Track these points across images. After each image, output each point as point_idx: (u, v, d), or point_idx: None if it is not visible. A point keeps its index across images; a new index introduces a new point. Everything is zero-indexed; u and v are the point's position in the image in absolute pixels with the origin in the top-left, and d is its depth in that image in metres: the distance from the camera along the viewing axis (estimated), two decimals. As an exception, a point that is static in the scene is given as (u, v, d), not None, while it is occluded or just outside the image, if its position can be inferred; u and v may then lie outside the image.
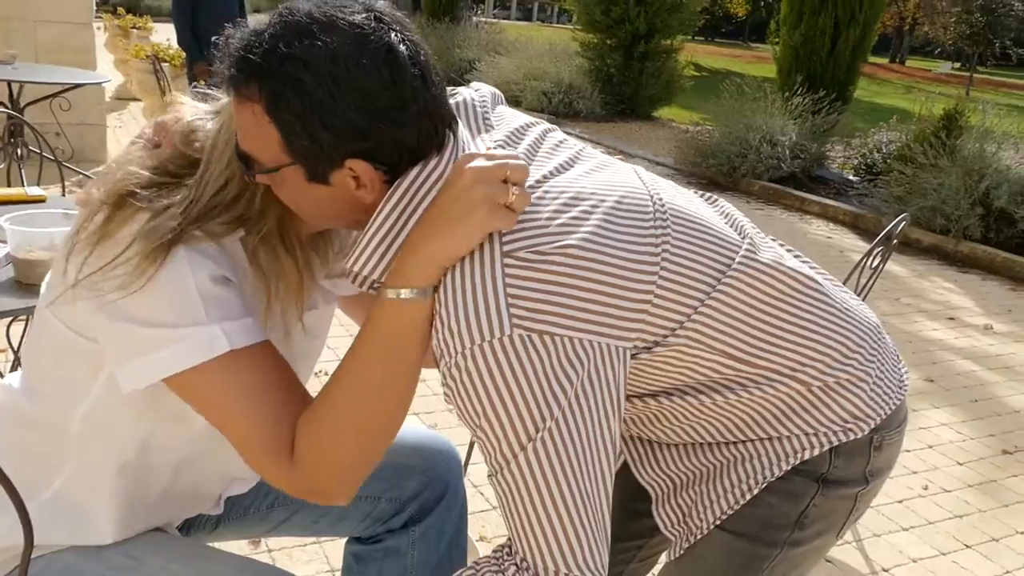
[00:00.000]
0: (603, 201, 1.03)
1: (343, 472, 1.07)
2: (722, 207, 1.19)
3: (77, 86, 4.98)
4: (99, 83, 5.13)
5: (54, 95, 5.10)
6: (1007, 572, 2.64)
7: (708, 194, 1.22)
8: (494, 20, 18.38)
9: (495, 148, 1.07)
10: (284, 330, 1.26)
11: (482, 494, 2.71)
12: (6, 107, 4.87)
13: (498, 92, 1.20)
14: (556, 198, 1.02)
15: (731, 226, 1.14)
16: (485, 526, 2.56)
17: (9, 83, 4.87)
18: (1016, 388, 4.12)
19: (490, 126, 1.12)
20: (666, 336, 1.03)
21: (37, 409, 1.21)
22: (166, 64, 6.73)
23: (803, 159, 8.31)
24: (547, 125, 1.18)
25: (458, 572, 1.07)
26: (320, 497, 1.09)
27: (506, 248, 0.97)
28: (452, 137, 1.06)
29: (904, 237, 6.62)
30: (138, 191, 1.07)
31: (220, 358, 1.05)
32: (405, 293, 1.01)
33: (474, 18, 17.22)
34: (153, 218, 1.04)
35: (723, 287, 1.06)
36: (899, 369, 1.22)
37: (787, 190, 8.02)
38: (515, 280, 0.96)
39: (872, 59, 15.05)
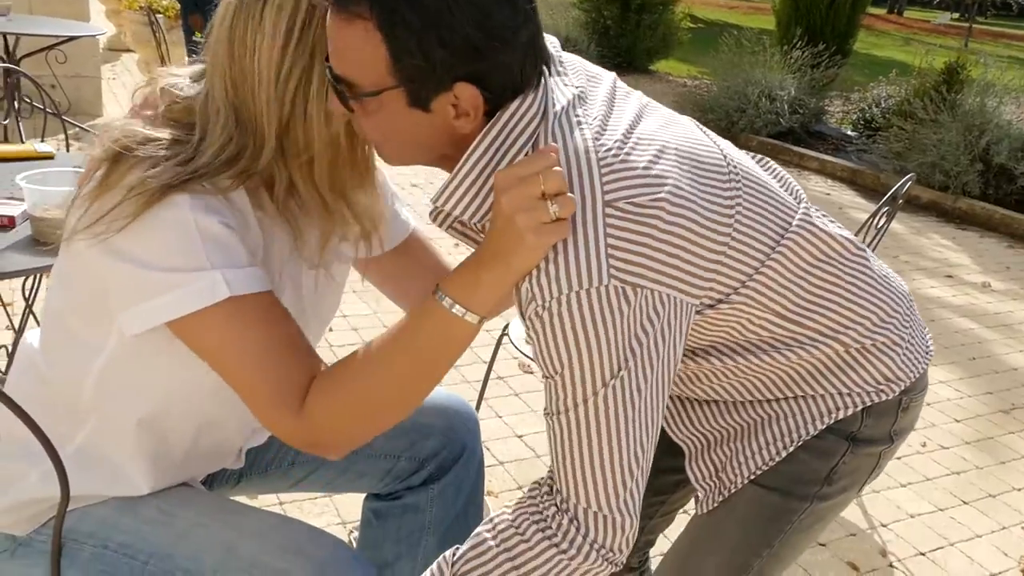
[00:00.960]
0: (687, 157, 1.04)
1: (348, 437, 1.11)
2: (774, 170, 1.21)
3: (74, 38, 4.91)
4: (96, 35, 5.06)
5: (50, 47, 5.04)
6: (1004, 528, 2.70)
7: (759, 156, 1.23)
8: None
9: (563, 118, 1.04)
10: (294, 286, 1.27)
11: (489, 450, 2.75)
12: (3, 60, 4.81)
13: (555, 39, 1.19)
14: (646, 149, 1.02)
15: (786, 190, 1.17)
16: (492, 481, 2.60)
17: (4, 35, 4.81)
18: (1013, 346, 4.16)
19: (564, 72, 1.11)
20: (729, 294, 1.06)
21: (53, 370, 1.23)
22: (160, 15, 6.63)
23: (801, 114, 8.26)
24: (613, 74, 1.17)
25: (498, 512, 1.09)
26: (317, 451, 1.12)
27: (607, 198, 0.98)
28: (546, 76, 1.05)
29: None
30: (135, 146, 1.08)
31: (221, 304, 1.06)
32: (458, 310, 1.03)
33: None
34: (151, 168, 1.05)
35: (781, 248, 1.08)
36: (925, 336, 1.26)
37: (785, 145, 7.99)
38: (615, 231, 0.97)
39: (870, 10, 14.92)
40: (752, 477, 1.21)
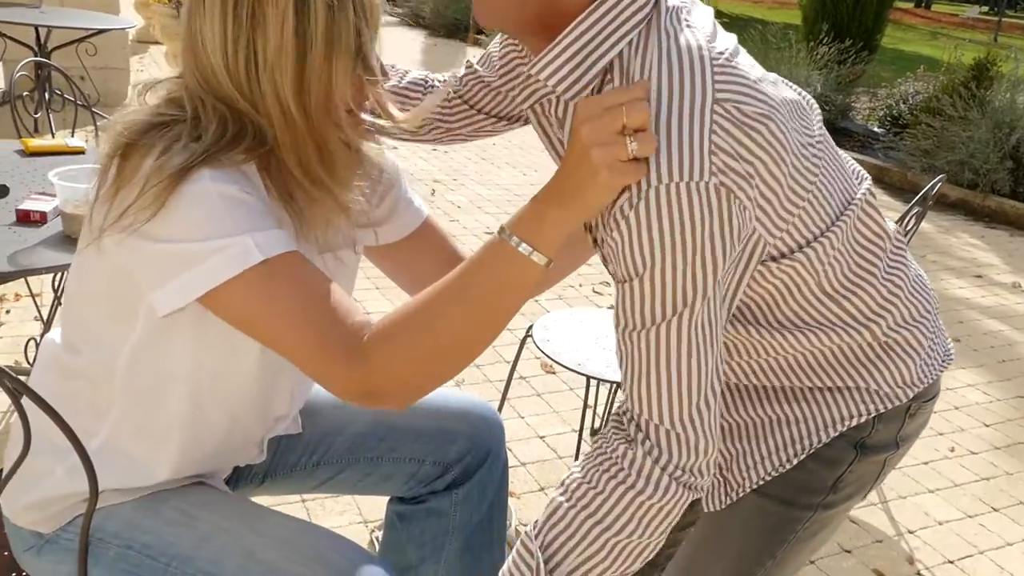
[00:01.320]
0: (785, 96, 1.02)
1: (408, 386, 1.08)
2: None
3: (104, 31, 4.95)
4: (126, 28, 5.10)
5: (80, 39, 5.07)
6: (1033, 535, 2.66)
7: None
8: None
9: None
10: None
11: (511, 451, 2.74)
12: (35, 52, 4.85)
13: None
14: (753, 69, 1.00)
15: (847, 165, 1.16)
16: (514, 482, 2.59)
17: (37, 28, 4.85)
18: (1043, 349, 4.10)
19: None
20: (793, 251, 1.04)
21: (79, 360, 1.23)
22: (188, 7, 6.66)
23: (828, 111, 8.20)
24: (711, 8, 1.15)
25: (568, 473, 1.06)
26: (376, 400, 1.08)
27: (718, 96, 0.94)
28: None
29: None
30: (139, 136, 1.08)
31: (255, 268, 1.05)
32: (525, 248, 1.01)
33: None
34: (162, 154, 1.05)
35: (844, 218, 1.08)
36: (947, 344, 1.26)
37: (812, 142, 7.92)
38: (720, 130, 0.93)
39: (897, 4, 14.72)
40: (760, 483, 1.20)
